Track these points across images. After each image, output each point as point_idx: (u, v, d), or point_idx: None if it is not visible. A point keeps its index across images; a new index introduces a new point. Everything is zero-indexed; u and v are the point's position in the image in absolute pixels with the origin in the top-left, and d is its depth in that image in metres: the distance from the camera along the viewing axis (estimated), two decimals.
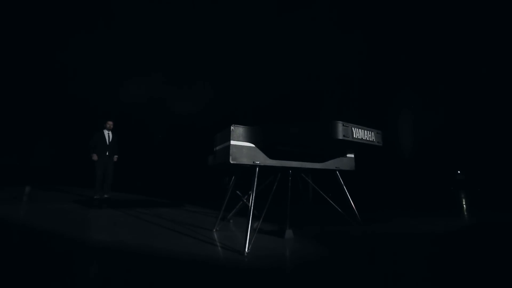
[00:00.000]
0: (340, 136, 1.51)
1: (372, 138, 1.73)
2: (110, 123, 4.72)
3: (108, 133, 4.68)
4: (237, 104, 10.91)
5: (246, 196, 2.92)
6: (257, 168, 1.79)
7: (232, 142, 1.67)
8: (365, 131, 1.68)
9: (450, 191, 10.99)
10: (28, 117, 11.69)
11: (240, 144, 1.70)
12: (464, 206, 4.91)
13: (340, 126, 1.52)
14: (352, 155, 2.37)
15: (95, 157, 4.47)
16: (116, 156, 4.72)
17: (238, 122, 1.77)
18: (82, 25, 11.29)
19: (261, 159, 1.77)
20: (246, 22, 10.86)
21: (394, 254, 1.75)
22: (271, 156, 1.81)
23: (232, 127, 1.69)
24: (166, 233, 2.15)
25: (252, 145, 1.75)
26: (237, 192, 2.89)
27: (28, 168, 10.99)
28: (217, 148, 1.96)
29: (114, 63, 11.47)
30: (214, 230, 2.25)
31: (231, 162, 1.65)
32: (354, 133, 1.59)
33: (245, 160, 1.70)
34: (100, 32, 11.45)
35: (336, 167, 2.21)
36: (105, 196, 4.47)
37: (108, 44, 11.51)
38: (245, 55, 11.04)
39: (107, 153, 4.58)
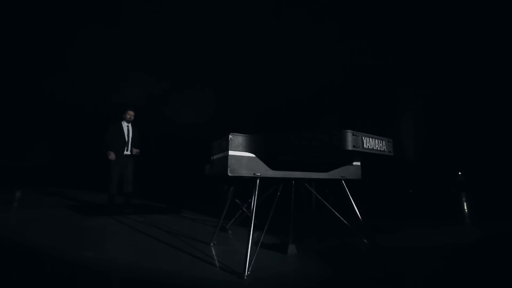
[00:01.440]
0: (350, 147, 1.37)
1: (383, 147, 1.59)
2: (131, 114, 3.77)
3: (128, 126, 3.77)
4: (235, 110, 10.80)
5: (245, 205, 2.78)
6: (258, 180, 1.64)
7: (231, 152, 1.53)
8: (376, 140, 1.54)
9: (451, 192, 10.88)
10: (24, 117, 11.52)
11: (240, 154, 1.56)
12: (469, 211, 4.78)
13: (349, 135, 1.38)
14: (359, 163, 2.22)
15: (112, 155, 3.56)
16: (137, 150, 3.79)
17: (236, 130, 1.63)
18: (81, 25, 11.16)
19: (262, 170, 1.62)
20: (240, 29, 10.76)
21: (406, 275, 1.61)
22: (273, 166, 1.67)
23: (230, 136, 1.55)
24: (161, 248, 2.00)
25: (252, 155, 1.60)
26: (236, 200, 2.75)
27: (23, 169, 10.81)
28: (215, 157, 1.82)
29: (113, 65, 11.35)
30: (212, 244, 2.10)
31: (230, 174, 1.50)
32: (365, 143, 1.45)
33: (244, 172, 1.56)
34: (99, 32, 11.32)
35: (341, 176, 2.07)
36: (127, 210, 3.58)
37: (108, 46, 11.38)
38: (242, 62, 10.92)
39: (126, 151, 3.69)
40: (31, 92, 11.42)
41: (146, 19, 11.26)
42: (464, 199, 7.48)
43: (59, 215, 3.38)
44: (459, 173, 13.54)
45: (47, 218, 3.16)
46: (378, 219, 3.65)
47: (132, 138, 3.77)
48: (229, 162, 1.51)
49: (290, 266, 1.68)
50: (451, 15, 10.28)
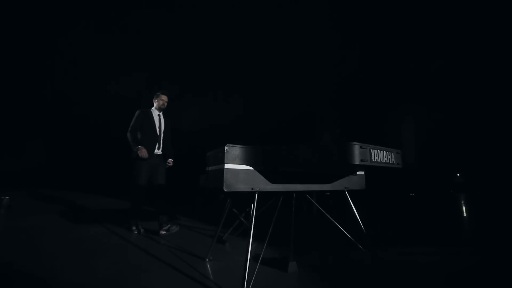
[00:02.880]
0: (357, 161, 1.25)
1: (392, 159, 1.47)
2: (164, 99, 2.88)
3: (159, 115, 2.89)
4: (233, 116, 10.69)
5: (243, 214, 2.66)
6: (256, 194, 1.52)
7: (227, 166, 1.40)
8: (384, 152, 1.42)
9: (450, 194, 10.82)
10: (19, 115, 11.28)
11: (236, 167, 1.43)
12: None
13: (357, 149, 1.26)
14: (363, 173, 2.11)
15: (143, 152, 2.60)
16: (171, 160, 2.93)
17: (234, 139, 1.50)
18: (78, 23, 11.00)
19: (261, 184, 1.50)
20: (240, 33, 10.66)
21: None
22: (272, 179, 1.54)
23: (226, 148, 1.42)
24: (152, 265, 1.87)
25: (250, 168, 1.48)
26: (234, 210, 2.62)
27: (18, 170, 10.57)
28: (210, 168, 1.69)
29: (111, 66, 11.20)
30: (208, 259, 1.97)
31: (225, 190, 1.38)
32: (373, 156, 1.33)
33: (242, 187, 1.43)
34: (98, 32, 11.17)
35: (345, 187, 1.95)
36: (165, 229, 2.66)
37: (106, 46, 11.24)
38: (241, 67, 10.82)
39: (157, 149, 2.79)
40: (27, 90, 11.22)
41: (144, 22, 11.13)
42: (464, 202, 7.41)
43: (48, 224, 3.23)
44: (458, 174, 13.51)
45: (34, 227, 3.01)
46: (380, 227, 3.54)
47: (164, 132, 2.87)
48: (224, 176, 1.38)
49: (291, 286, 1.56)
50: (451, 20, 10.24)
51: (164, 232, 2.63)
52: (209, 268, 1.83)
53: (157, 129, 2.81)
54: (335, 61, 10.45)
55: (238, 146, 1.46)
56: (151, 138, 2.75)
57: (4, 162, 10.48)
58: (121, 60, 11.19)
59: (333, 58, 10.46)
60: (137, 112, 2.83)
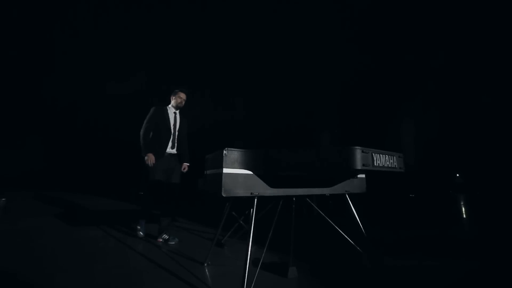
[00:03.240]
0: (359, 166, 1.22)
1: (394, 164, 1.44)
2: (182, 97, 2.76)
3: (175, 113, 2.77)
4: (232, 117, 10.65)
5: (242, 217, 2.63)
6: (256, 199, 1.49)
7: (225, 170, 1.37)
8: (387, 157, 1.39)
9: (450, 195, 10.81)
10: (16, 115, 11.21)
11: (235, 172, 1.40)
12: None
13: (358, 153, 1.23)
14: (363, 176, 2.08)
15: (151, 159, 2.52)
16: (186, 165, 2.78)
17: (231, 143, 1.47)
18: (76, 23, 10.96)
19: (261, 189, 1.47)
20: (241, 33, 10.64)
21: None
22: (272, 184, 1.51)
23: (225, 152, 1.39)
24: (149, 271, 1.84)
25: (250, 172, 1.45)
26: (233, 213, 2.60)
27: (15, 171, 10.49)
28: (208, 172, 1.66)
29: (109, 65, 11.16)
30: (206, 264, 1.94)
31: (224, 195, 1.35)
32: (375, 161, 1.30)
33: (241, 192, 1.40)
34: (92, 32, 11.12)
35: (346, 191, 1.92)
36: (163, 237, 2.58)
37: (104, 46, 11.20)
38: (239, 67, 10.79)
39: (171, 149, 2.66)
40: (25, 90, 11.17)
41: (143, 21, 11.10)
42: (464, 202, 7.40)
43: (46, 226, 3.20)
44: (457, 175, 13.52)
45: (31, 230, 2.98)
46: (381, 230, 3.52)
47: (179, 131, 2.74)
48: (223, 181, 1.35)
49: None
50: (449, 14, 10.23)
51: (161, 240, 2.58)
52: (207, 273, 1.80)
53: (172, 127, 2.67)
54: (335, 62, 10.43)
55: (237, 150, 1.43)
56: (164, 135, 2.63)
57: (2, 163, 10.41)
58: (120, 61, 11.15)
59: (333, 59, 10.44)
60: (152, 109, 2.70)
